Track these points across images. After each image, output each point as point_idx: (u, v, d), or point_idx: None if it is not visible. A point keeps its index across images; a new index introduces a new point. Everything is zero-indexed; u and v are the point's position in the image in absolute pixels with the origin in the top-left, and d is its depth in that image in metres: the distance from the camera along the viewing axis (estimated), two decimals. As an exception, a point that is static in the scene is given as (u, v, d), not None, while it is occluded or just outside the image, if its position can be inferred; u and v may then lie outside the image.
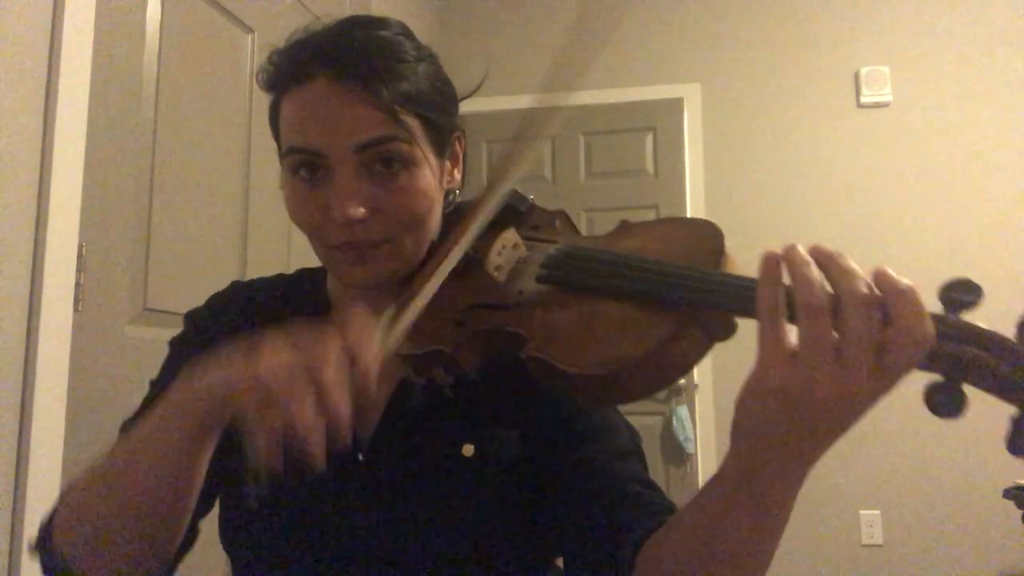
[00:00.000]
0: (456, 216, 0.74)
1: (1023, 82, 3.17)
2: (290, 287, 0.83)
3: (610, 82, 3.42)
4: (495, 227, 0.69)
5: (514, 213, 0.71)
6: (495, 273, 0.65)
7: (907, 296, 0.42)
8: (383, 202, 0.68)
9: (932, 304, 0.44)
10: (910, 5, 3.29)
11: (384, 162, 0.67)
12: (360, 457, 0.70)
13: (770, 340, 0.44)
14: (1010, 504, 2.18)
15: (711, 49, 3.43)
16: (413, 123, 0.68)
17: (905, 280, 0.43)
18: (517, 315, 0.60)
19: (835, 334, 0.43)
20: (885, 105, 3.25)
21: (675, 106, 3.37)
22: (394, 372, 0.68)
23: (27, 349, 1.36)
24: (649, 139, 3.38)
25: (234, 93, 2.03)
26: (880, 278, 0.43)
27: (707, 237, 0.57)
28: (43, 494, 1.36)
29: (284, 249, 2.18)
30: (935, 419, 0.44)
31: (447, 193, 0.77)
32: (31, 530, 1.34)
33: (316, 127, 0.66)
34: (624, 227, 0.66)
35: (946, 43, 3.24)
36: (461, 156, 0.79)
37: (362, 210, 0.66)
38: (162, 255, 1.73)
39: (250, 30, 2.08)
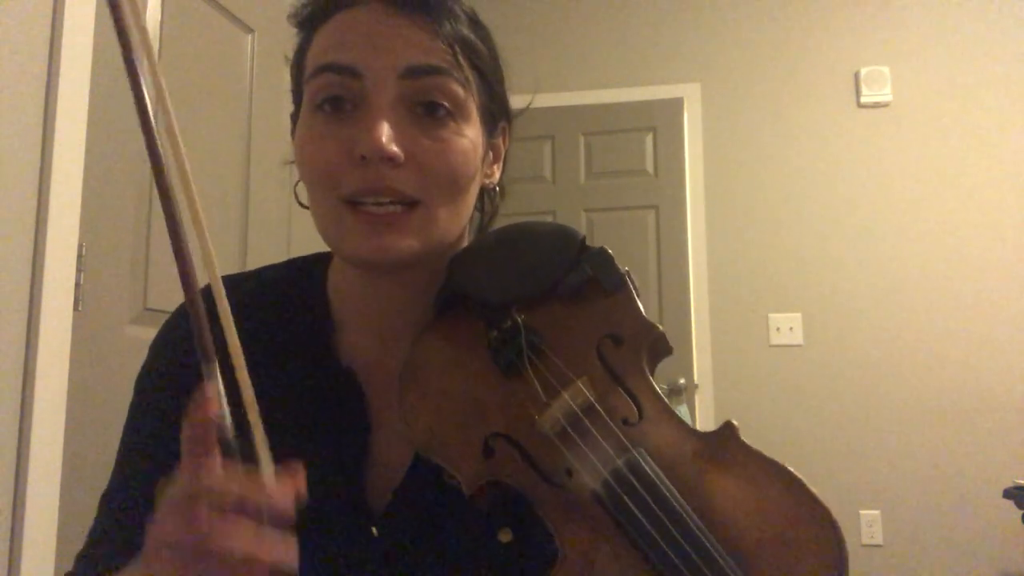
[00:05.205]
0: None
1: (1023, 82, 3.17)
2: (286, 290, 0.69)
3: (610, 82, 3.42)
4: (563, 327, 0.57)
5: (610, 337, 0.57)
6: (547, 429, 0.53)
7: None
8: (421, 151, 0.56)
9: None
10: (910, 5, 3.29)
11: (428, 107, 0.57)
12: (375, 531, 0.61)
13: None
14: (1010, 504, 2.18)
15: (711, 49, 3.43)
16: (470, 75, 0.59)
17: None
18: (558, 506, 0.52)
19: None
20: (885, 105, 3.25)
21: (675, 106, 3.37)
22: (407, 447, 0.60)
23: (27, 349, 1.36)
24: (649, 139, 3.37)
25: (234, 93, 2.03)
26: None
27: (822, 542, 0.47)
28: (43, 494, 1.36)
29: (284, 249, 2.18)
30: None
31: (483, 191, 0.66)
32: (31, 530, 1.34)
33: (358, 43, 0.56)
34: (725, 451, 0.51)
35: (946, 43, 3.24)
36: (503, 153, 0.68)
37: (396, 148, 0.54)
38: (162, 255, 1.73)
39: (250, 30, 2.08)
